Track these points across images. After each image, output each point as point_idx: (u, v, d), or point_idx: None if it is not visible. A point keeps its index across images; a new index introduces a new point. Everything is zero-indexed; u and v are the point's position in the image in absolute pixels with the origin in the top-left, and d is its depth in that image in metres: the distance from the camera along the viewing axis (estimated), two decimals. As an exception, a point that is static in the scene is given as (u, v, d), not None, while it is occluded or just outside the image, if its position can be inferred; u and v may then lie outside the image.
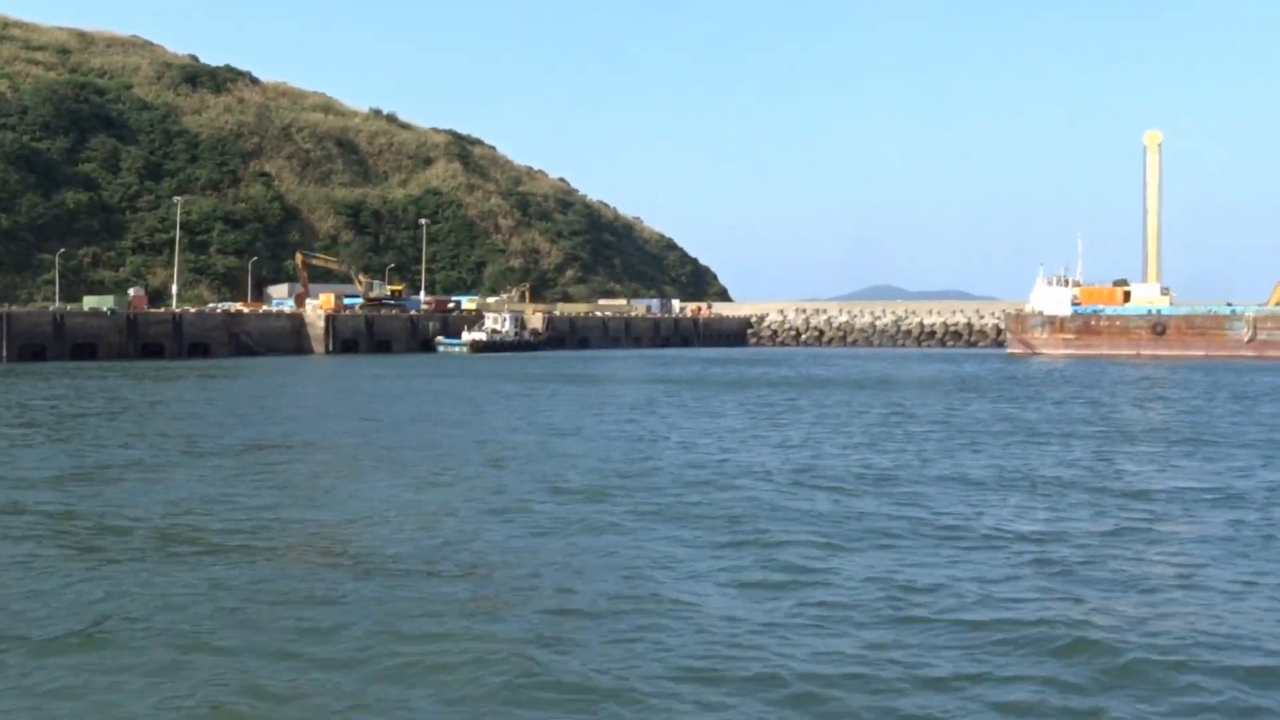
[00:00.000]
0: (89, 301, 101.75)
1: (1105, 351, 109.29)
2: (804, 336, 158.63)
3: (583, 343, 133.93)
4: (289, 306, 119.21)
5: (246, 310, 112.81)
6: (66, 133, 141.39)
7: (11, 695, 10.99)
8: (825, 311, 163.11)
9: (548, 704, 10.88)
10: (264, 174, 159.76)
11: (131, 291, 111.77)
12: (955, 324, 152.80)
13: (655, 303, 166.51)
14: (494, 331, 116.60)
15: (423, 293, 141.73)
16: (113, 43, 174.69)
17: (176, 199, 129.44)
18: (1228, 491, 24.31)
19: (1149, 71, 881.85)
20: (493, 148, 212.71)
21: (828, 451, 31.11)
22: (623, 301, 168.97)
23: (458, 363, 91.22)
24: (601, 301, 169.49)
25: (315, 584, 15.26)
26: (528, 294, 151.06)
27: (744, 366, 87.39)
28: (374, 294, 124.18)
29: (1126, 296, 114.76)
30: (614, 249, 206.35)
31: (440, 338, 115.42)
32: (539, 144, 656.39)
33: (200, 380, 63.87)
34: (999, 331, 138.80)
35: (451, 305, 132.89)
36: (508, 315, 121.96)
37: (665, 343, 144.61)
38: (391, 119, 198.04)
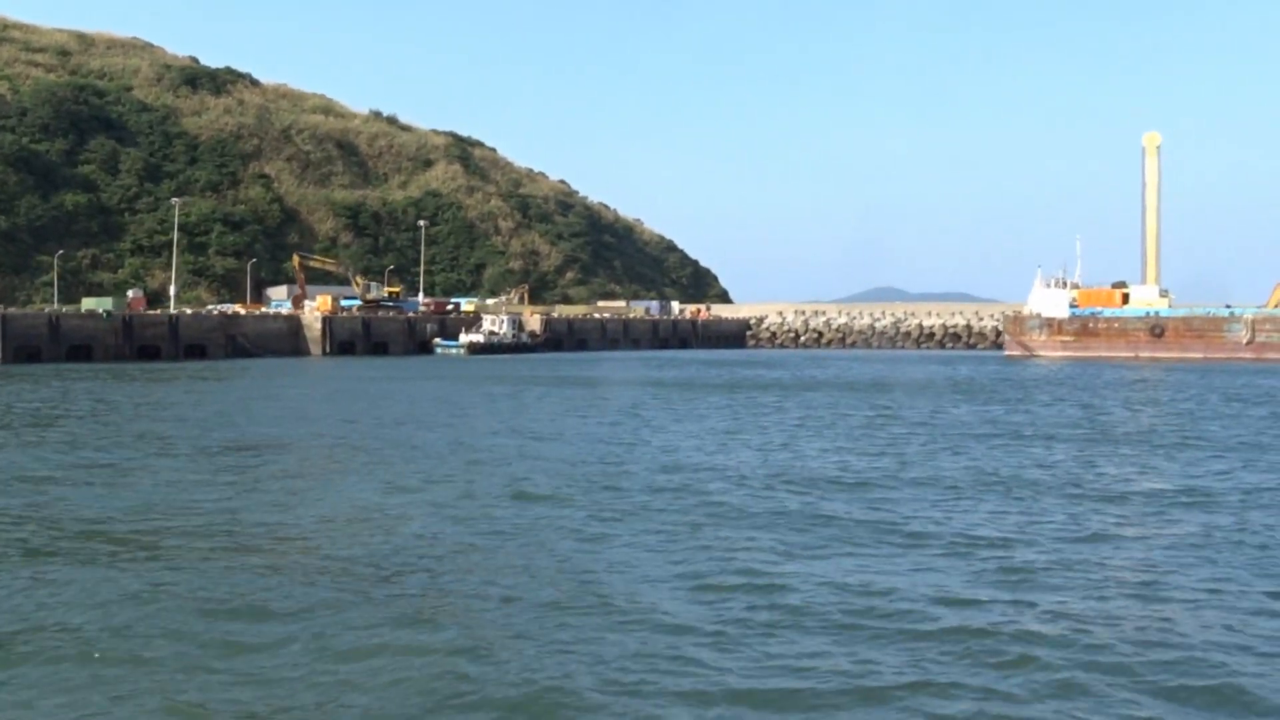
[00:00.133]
0: (87, 303, 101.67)
1: (1103, 354, 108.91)
2: (803, 338, 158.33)
3: (580, 344, 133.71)
4: (287, 308, 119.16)
5: (244, 312, 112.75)
6: (66, 134, 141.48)
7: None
8: (824, 313, 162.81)
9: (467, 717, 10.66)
10: (264, 176, 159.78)
11: (130, 293, 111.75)
12: (954, 326, 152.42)
13: (654, 305, 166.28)
14: (491, 333, 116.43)
15: (421, 294, 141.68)
16: (113, 44, 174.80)
17: (174, 201, 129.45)
18: (1203, 494, 24.05)
19: (1148, 73, 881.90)
20: (493, 149, 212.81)
21: (807, 453, 30.87)
22: (621, 303, 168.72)
23: (453, 365, 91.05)
24: (600, 303, 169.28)
25: (255, 590, 15.03)
26: (527, 296, 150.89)
27: (737, 369, 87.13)
28: (371, 296, 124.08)
29: (1125, 298, 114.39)
30: (614, 251, 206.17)
31: (437, 339, 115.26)
32: (539, 146, 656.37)
33: (190, 382, 63.74)
34: (998, 333, 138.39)
35: (450, 307, 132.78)
36: (505, 317, 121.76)
37: (663, 345, 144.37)
38: (392, 121, 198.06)
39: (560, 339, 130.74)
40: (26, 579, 15.65)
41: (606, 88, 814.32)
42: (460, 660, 12.09)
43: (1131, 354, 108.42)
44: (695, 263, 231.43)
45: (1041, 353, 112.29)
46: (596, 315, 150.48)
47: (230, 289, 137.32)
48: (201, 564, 16.61)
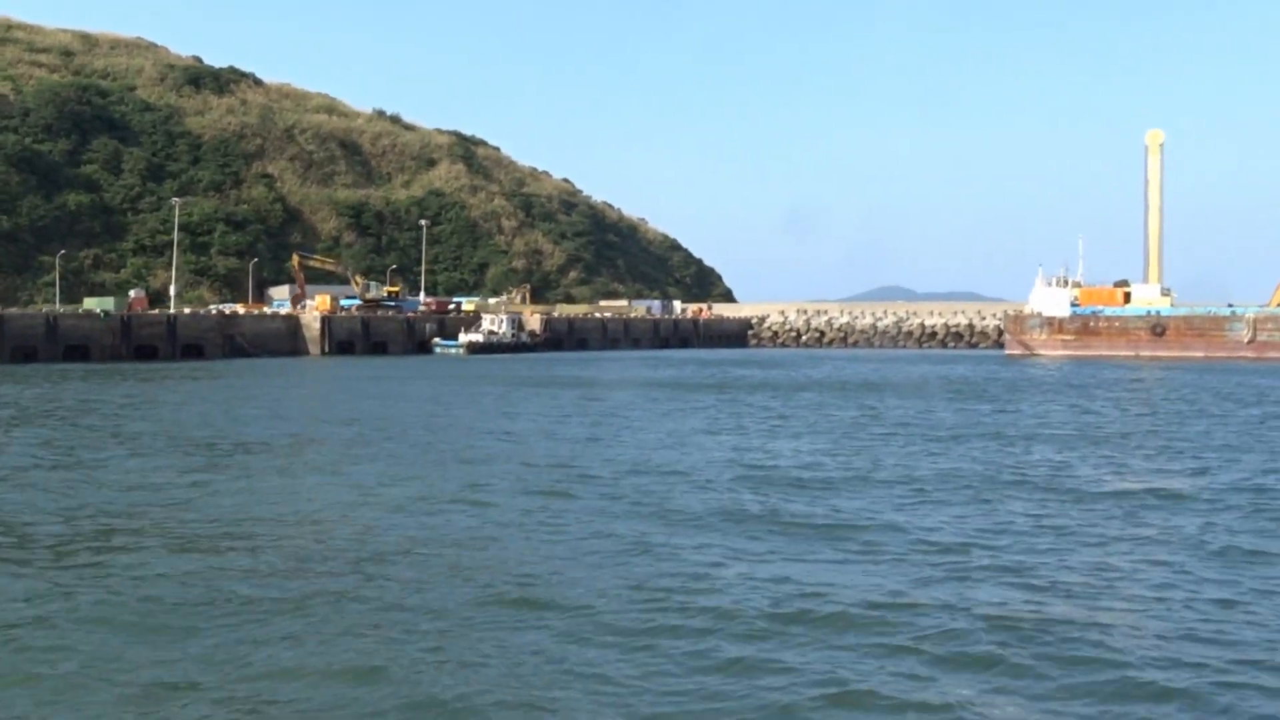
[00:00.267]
0: (89, 303, 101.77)
1: (1104, 353, 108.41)
2: (804, 338, 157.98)
3: (581, 344, 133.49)
4: (287, 308, 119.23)
5: (243, 311, 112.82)
6: (69, 135, 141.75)
7: None
8: (826, 313, 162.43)
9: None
10: (266, 175, 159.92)
11: (132, 293, 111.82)
12: (956, 325, 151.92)
13: (656, 304, 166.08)
14: (490, 333, 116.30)
15: (423, 294, 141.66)
16: (116, 44, 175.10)
17: (175, 200, 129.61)
18: (1173, 494, 23.77)
19: (1150, 72, 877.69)
20: (496, 149, 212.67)
21: (781, 454, 30.63)
22: (623, 303, 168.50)
23: (450, 364, 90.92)
24: (602, 303, 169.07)
25: (194, 591, 14.86)
26: (529, 295, 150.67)
27: (733, 369, 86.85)
28: (370, 295, 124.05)
29: (1127, 297, 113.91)
30: (618, 250, 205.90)
31: (436, 339, 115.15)
32: (543, 145, 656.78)
33: (182, 382, 63.70)
34: (1000, 333, 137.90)
35: (451, 307, 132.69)
36: (505, 317, 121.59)
37: (665, 344, 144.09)
38: (395, 120, 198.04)
39: (560, 339, 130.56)
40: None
41: (610, 87, 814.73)
42: (359, 674, 11.87)
43: (1133, 353, 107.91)
44: (699, 262, 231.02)
45: (1042, 352, 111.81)
46: (597, 315, 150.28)
47: (232, 289, 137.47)
48: (143, 563, 16.44)
